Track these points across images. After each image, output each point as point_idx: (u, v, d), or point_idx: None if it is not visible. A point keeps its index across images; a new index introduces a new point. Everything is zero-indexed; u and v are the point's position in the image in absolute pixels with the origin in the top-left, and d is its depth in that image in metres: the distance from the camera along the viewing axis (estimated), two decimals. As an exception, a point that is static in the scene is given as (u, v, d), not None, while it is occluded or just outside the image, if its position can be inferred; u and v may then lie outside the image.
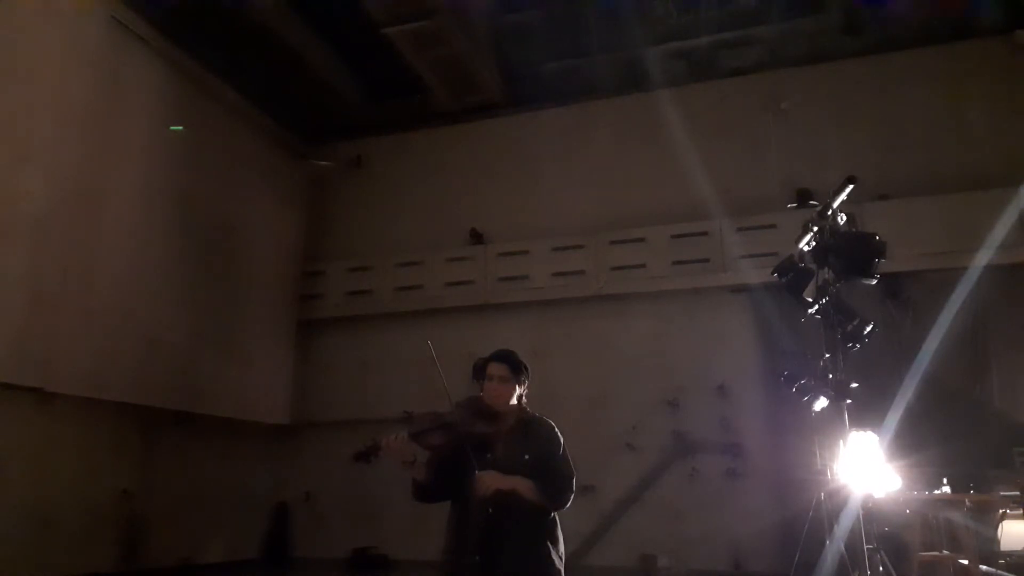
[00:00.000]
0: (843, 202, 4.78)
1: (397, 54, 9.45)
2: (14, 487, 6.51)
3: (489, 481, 2.94)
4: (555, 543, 3.07)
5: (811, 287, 4.76)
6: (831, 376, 4.57)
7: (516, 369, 3.22)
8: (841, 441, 4.60)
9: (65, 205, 7.16)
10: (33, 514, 6.65)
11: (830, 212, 4.78)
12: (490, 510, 2.97)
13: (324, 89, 10.54)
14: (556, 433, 3.18)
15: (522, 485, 2.97)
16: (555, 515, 3.13)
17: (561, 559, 3.07)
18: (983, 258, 7.56)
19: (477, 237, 10.42)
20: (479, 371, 3.27)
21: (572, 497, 3.07)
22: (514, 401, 3.21)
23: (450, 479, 3.06)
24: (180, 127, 8.67)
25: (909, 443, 5.73)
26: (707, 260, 9.16)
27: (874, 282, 4.62)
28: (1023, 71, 8.69)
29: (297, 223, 11.14)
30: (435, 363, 3.09)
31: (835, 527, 4.58)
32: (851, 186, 4.71)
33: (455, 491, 3.10)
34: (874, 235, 4.65)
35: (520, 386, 3.23)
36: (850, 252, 4.64)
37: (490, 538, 2.95)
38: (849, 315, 4.60)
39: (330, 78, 10.42)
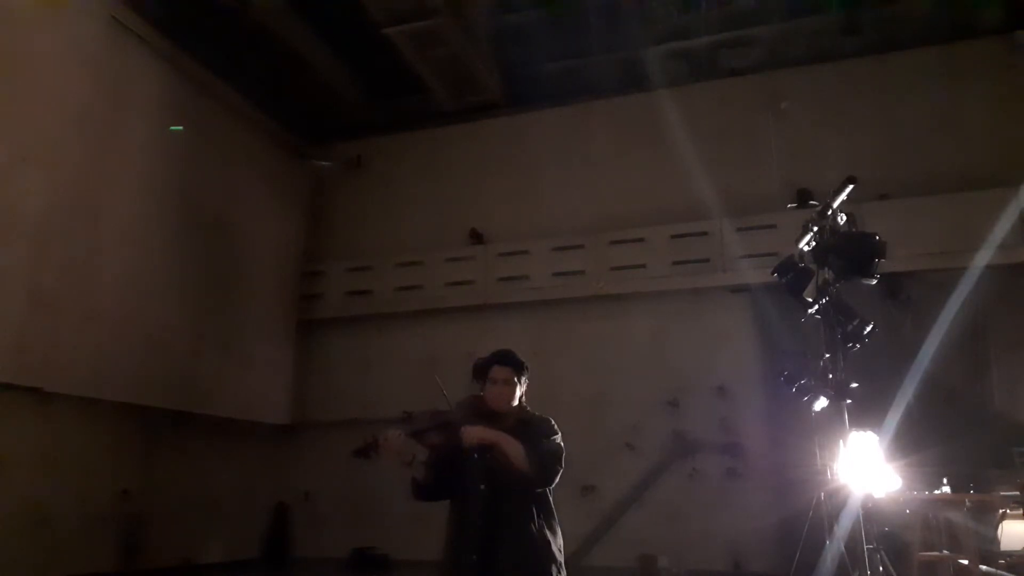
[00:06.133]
0: (843, 202, 4.78)
1: (397, 54, 9.46)
2: (14, 487, 6.51)
3: (475, 432, 2.94)
4: (554, 534, 3.06)
5: (811, 287, 4.76)
6: (831, 376, 4.57)
7: (520, 370, 3.23)
8: (841, 441, 4.60)
9: (65, 205, 7.16)
10: (33, 514, 6.66)
11: (830, 212, 4.78)
12: (482, 487, 2.96)
13: (324, 89, 10.55)
14: (552, 425, 3.18)
15: (506, 440, 2.95)
16: (553, 507, 3.12)
17: (560, 551, 3.07)
18: (983, 258, 7.56)
19: (477, 237, 10.42)
20: (480, 372, 3.26)
21: (559, 474, 3.02)
22: (515, 402, 3.22)
23: (449, 478, 3.06)
24: (180, 127, 8.67)
25: (909, 443, 5.73)
26: (707, 260, 9.16)
27: (874, 282, 4.63)
28: (1023, 71, 8.69)
29: (297, 223, 11.14)
30: (443, 394, 3.09)
31: (835, 527, 4.58)
32: (851, 186, 4.72)
33: (454, 490, 3.10)
34: (874, 235, 4.66)
35: (521, 386, 3.24)
36: (850, 252, 4.64)
37: (489, 537, 2.95)
38: (849, 315, 4.60)
39: (330, 78, 10.42)
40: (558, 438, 3.13)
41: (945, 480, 5.80)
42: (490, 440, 2.96)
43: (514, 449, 2.94)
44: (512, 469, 2.93)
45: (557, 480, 3.03)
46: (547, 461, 2.99)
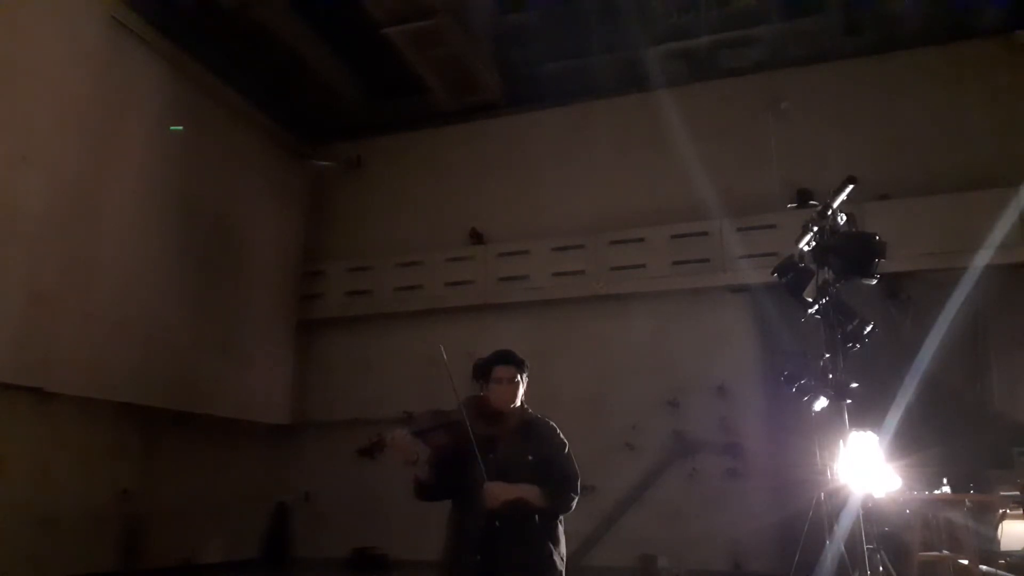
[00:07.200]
0: (843, 202, 4.78)
1: (397, 54, 9.45)
2: (14, 487, 6.51)
3: (497, 492, 2.93)
4: (556, 543, 3.06)
5: (811, 287, 4.76)
6: (831, 376, 4.57)
7: (521, 369, 3.25)
8: (841, 441, 4.60)
9: (65, 205, 7.15)
10: (33, 514, 6.65)
11: (830, 212, 4.78)
12: (497, 523, 2.96)
13: (324, 89, 10.54)
14: (559, 434, 3.19)
15: (529, 493, 2.97)
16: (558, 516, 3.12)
17: (563, 559, 3.07)
18: (983, 258, 7.56)
19: (477, 237, 10.42)
20: (481, 372, 3.27)
21: (577, 500, 3.07)
22: (517, 402, 3.22)
23: (452, 478, 3.06)
24: (180, 127, 8.66)
25: (909, 443, 5.73)
26: (707, 260, 9.16)
27: (874, 282, 4.62)
28: (1023, 71, 8.69)
29: (297, 223, 11.13)
30: (446, 367, 3.07)
31: (835, 527, 4.58)
32: (851, 186, 4.72)
33: (456, 490, 3.10)
34: (874, 235, 4.65)
35: (523, 384, 3.25)
36: (850, 252, 4.64)
37: (491, 537, 2.95)
38: (849, 315, 4.60)
39: (330, 78, 10.42)
40: (567, 450, 3.14)
41: (945, 480, 5.80)
42: (514, 498, 2.96)
43: (536, 497, 2.98)
44: (534, 511, 2.98)
45: (574, 506, 3.08)
46: (566, 494, 3.05)
